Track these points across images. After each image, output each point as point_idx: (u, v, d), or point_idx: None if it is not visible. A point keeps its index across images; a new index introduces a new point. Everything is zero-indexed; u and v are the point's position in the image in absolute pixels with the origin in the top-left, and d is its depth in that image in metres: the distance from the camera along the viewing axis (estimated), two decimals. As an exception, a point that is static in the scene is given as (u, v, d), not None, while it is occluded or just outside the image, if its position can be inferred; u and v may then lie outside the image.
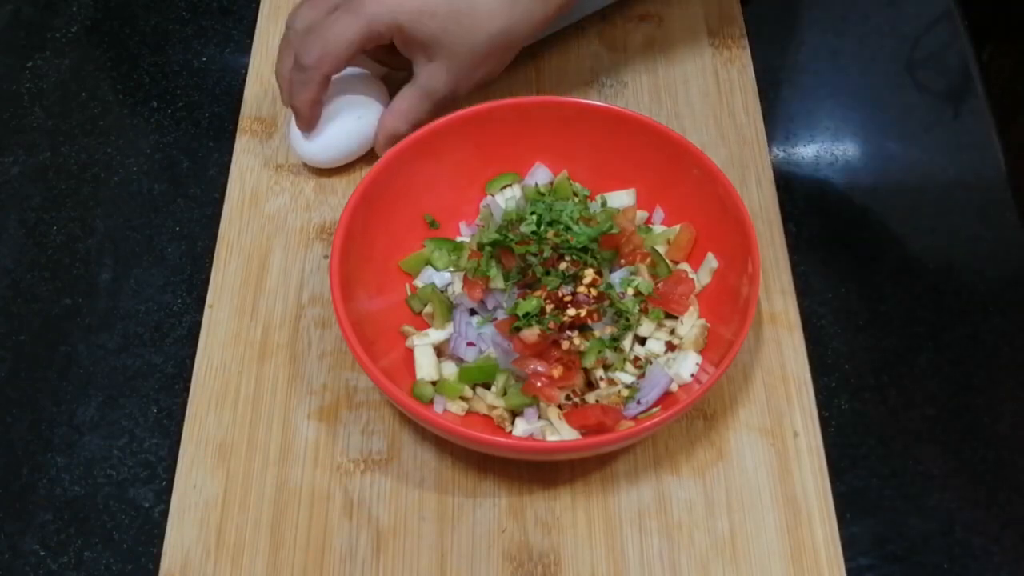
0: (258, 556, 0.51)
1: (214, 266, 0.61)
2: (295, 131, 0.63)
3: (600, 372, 0.53)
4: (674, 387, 0.53)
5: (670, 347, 0.54)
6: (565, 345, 0.51)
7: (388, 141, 0.61)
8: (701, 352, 0.53)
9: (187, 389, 0.57)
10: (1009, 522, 0.53)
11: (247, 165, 0.65)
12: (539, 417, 0.52)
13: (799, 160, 0.66)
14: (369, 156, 0.65)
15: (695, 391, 0.49)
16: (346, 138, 0.63)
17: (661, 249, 0.57)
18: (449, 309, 0.56)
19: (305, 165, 0.65)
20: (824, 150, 0.67)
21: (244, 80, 0.70)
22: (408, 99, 0.61)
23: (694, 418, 0.54)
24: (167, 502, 0.53)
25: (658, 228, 0.59)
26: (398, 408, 0.52)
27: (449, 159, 0.58)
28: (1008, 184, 0.64)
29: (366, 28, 0.57)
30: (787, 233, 0.61)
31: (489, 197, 0.60)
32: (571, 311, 0.51)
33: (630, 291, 0.54)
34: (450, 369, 0.54)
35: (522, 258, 0.53)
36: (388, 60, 0.64)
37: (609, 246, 0.55)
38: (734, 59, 0.69)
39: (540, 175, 0.60)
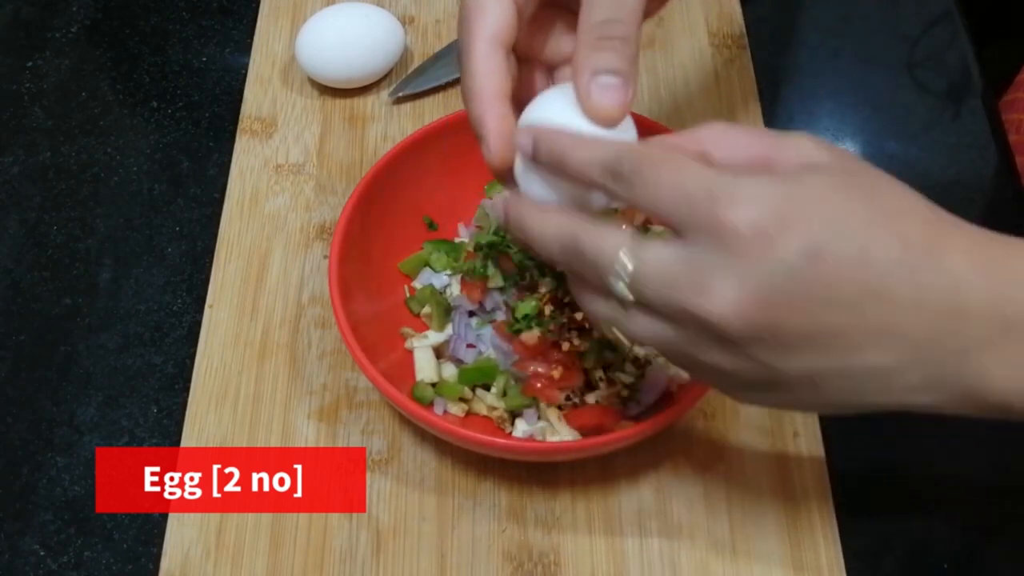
0: (258, 556, 0.51)
1: (214, 266, 0.61)
2: (304, 45, 0.66)
3: (600, 372, 0.53)
4: (674, 387, 0.53)
5: (670, 347, 0.54)
6: (565, 346, 0.51)
7: None
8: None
9: (187, 389, 0.57)
10: (1009, 521, 0.53)
11: (247, 165, 0.65)
12: (539, 418, 0.52)
13: (799, 160, 0.66)
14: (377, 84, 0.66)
15: (695, 391, 0.49)
16: (358, 58, 0.66)
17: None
18: (447, 311, 0.56)
19: (319, 89, 0.65)
20: (824, 150, 0.67)
21: (244, 80, 0.70)
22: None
23: (694, 418, 0.54)
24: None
25: (657, 228, 0.59)
26: (398, 410, 0.52)
27: (448, 160, 0.58)
28: (1008, 184, 0.64)
29: None
30: (787, 233, 0.61)
31: (486, 199, 0.60)
32: (571, 313, 0.51)
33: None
34: (450, 370, 0.54)
35: (519, 262, 0.53)
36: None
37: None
38: (734, 59, 0.69)
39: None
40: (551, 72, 0.46)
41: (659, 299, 0.35)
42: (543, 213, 0.39)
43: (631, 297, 0.36)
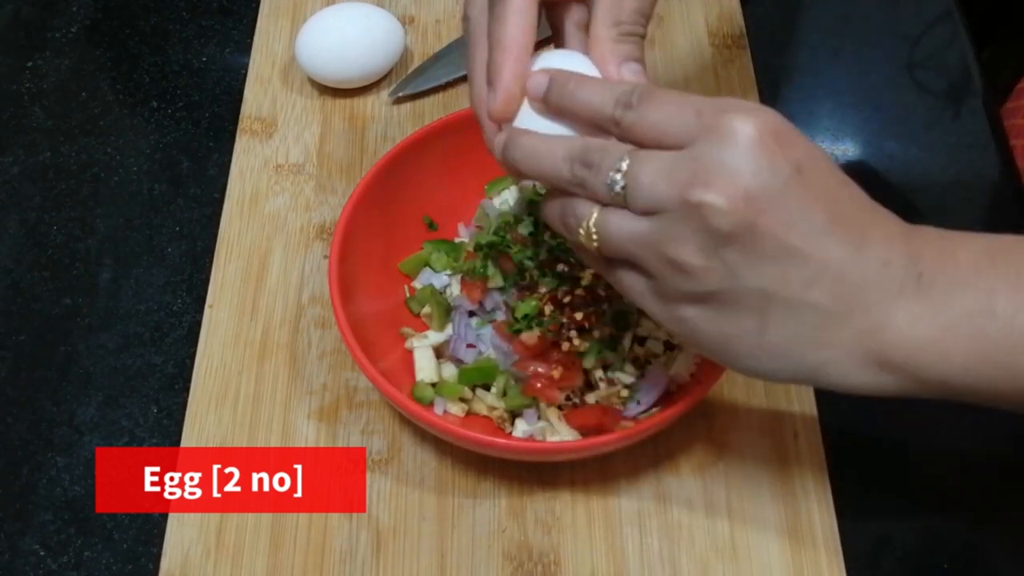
0: (258, 556, 0.51)
1: (214, 266, 0.61)
2: (304, 45, 0.66)
3: (599, 372, 0.53)
4: (674, 387, 0.53)
5: (669, 347, 0.54)
6: (565, 346, 0.51)
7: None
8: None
9: (187, 389, 0.57)
10: (1010, 522, 0.52)
11: (247, 165, 0.65)
12: (539, 418, 0.52)
13: (799, 160, 0.66)
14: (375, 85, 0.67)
15: (695, 391, 0.49)
16: (357, 58, 0.66)
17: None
18: (447, 311, 0.56)
19: (319, 89, 0.65)
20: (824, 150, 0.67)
21: (244, 80, 0.70)
22: None
23: (694, 418, 0.54)
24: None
25: None
26: (398, 410, 0.52)
27: (448, 160, 0.58)
28: (1008, 184, 0.64)
29: None
30: (787, 233, 0.61)
31: (486, 199, 0.60)
32: (571, 313, 0.51)
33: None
34: (450, 370, 0.54)
35: (519, 262, 0.53)
36: None
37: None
38: (734, 59, 0.69)
39: (540, 175, 0.60)
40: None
41: (652, 191, 0.37)
42: (553, 138, 0.42)
43: (622, 185, 0.38)
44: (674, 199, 0.37)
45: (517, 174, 0.43)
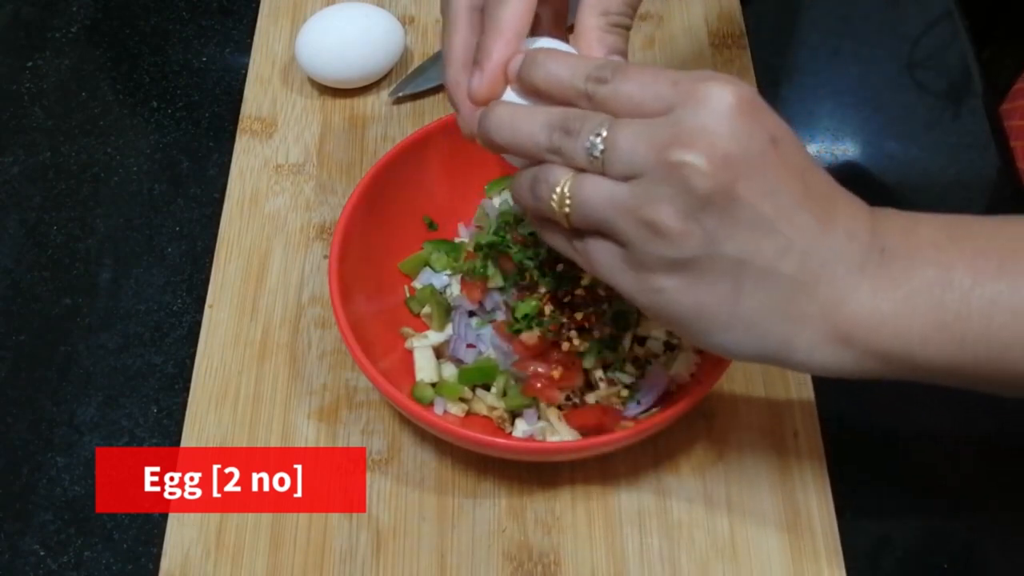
0: (258, 556, 0.51)
1: (214, 266, 0.61)
2: (304, 45, 0.66)
3: (599, 372, 0.53)
4: (674, 387, 0.53)
5: (669, 347, 0.54)
6: (565, 346, 0.51)
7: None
8: (700, 351, 0.53)
9: (187, 389, 0.57)
10: (1009, 522, 0.52)
11: (247, 165, 0.65)
12: (539, 418, 0.52)
13: (799, 160, 0.66)
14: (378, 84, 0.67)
15: (695, 391, 0.49)
16: (358, 58, 0.66)
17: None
18: (447, 311, 0.56)
19: (319, 89, 0.65)
20: (824, 150, 0.67)
21: (244, 80, 0.70)
22: None
23: (694, 418, 0.54)
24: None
25: None
26: (398, 410, 0.52)
27: (448, 160, 0.58)
28: (1008, 184, 0.64)
29: None
30: (787, 233, 0.61)
31: (486, 199, 0.60)
32: (571, 312, 0.51)
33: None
34: (450, 370, 0.54)
35: (519, 262, 0.53)
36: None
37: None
38: (734, 59, 0.69)
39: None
40: None
41: (632, 154, 0.37)
42: (534, 108, 0.41)
43: (601, 149, 0.38)
44: (653, 161, 0.36)
45: (491, 146, 0.42)
